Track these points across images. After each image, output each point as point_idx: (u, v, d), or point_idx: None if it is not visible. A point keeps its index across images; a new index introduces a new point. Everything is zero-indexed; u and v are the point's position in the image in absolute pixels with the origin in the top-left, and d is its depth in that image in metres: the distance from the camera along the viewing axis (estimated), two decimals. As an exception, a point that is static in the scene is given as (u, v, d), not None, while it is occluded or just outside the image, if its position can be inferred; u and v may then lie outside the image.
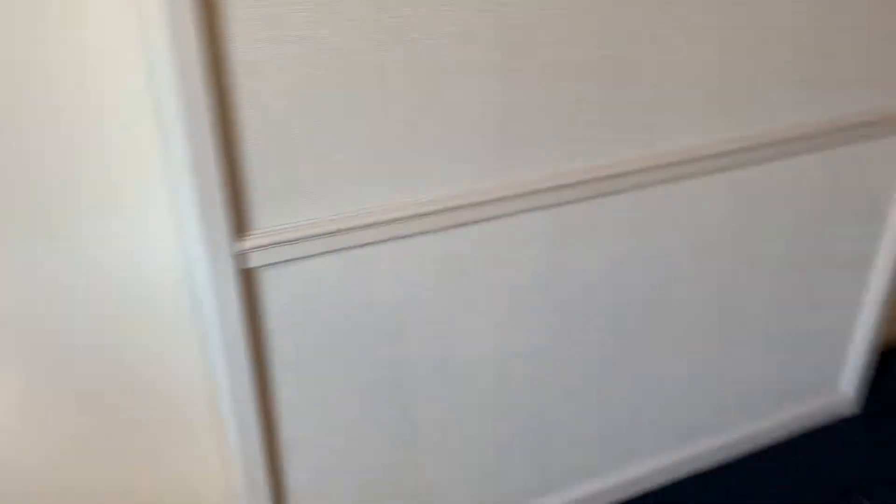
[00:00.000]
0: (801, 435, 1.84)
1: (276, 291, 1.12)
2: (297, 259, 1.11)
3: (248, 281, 1.09)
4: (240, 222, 1.04)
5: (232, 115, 0.98)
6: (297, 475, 1.29)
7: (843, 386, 1.87)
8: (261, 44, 0.95)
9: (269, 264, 1.09)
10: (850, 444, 1.81)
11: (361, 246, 1.14)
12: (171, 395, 1.44)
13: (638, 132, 1.27)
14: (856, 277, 1.71)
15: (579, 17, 1.13)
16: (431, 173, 1.14)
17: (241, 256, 1.05)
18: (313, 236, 1.09)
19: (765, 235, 1.52)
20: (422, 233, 1.18)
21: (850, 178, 1.55)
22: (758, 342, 1.67)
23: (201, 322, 1.29)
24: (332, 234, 1.10)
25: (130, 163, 1.23)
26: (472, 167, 1.17)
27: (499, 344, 1.36)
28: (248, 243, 1.05)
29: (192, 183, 0.98)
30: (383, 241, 1.16)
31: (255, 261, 1.07)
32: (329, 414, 1.27)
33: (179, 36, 0.89)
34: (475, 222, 1.22)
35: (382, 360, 1.27)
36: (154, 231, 1.29)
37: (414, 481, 1.42)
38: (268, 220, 1.06)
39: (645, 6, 1.17)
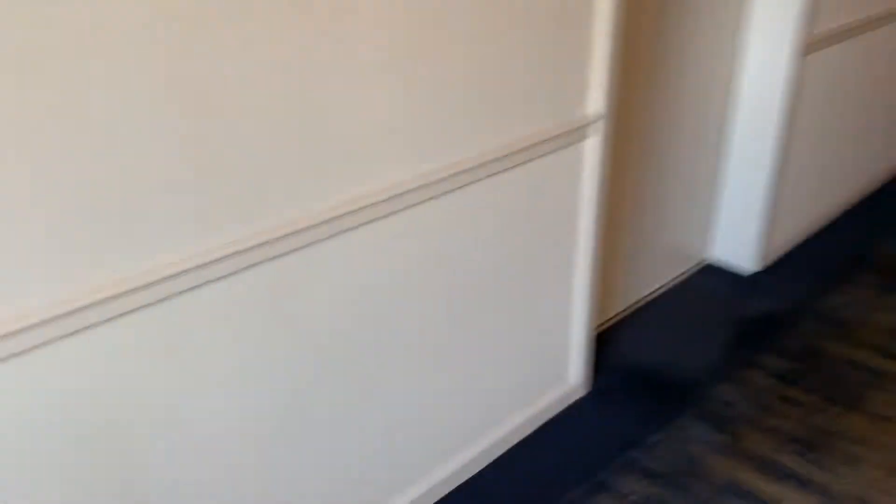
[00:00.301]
0: (544, 426, 1.99)
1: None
2: (-25, 370, 0.95)
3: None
4: None
5: None
6: None
7: (571, 374, 2.07)
8: None
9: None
10: (586, 426, 2.00)
11: (44, 345, 1.01)
12: None
13: (339, 177, 1.29)
14: (563, 275, 1.90)
15: (260, 77, 1.12)
16: (120, 249, 1.05)
17: None
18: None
19: (479, 252, 1.63)
20: (119, 316, 1.08)
21: (542, 189, 1.72)
22: (492, 352, 1.78)
23: None
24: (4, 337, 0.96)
25: None
26: (169, 237, 1.10)
27: (235, 411, 1.29)
28: None
29: None
30: (72, 335, 1.04)
31: (-84, 383, 0.90)
32: (50, 534, 1.11)
33: None
34: (182, 293, 1.15)
35: (109, 460, 1.14)
36: None
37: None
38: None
39: (327, 58, 1.19)
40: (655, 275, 2.58)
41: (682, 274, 2.70)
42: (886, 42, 2.88)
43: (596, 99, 1.72)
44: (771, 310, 2.48)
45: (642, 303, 2.54)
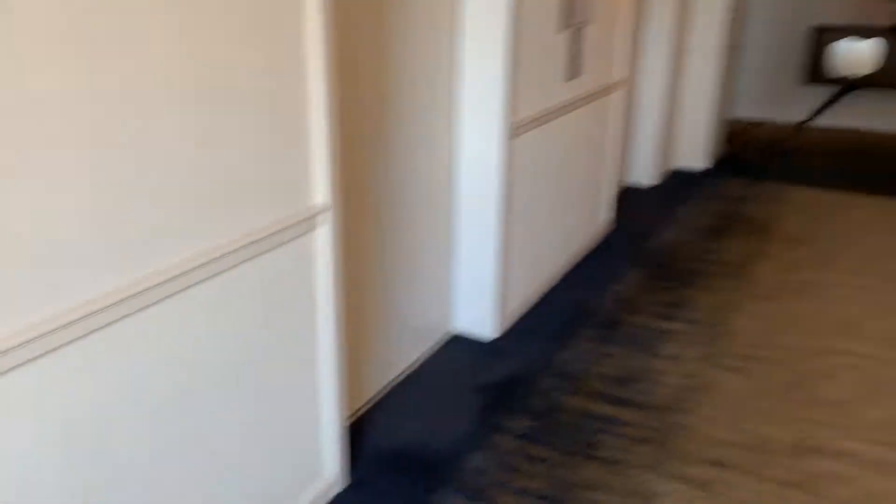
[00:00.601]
0: (304, 530, 1.90)
1: None
2: None
3: None
4: None
5: None
6: None
7: (327, 469, 2.00)
8: None
9: None
10: (347, 520, 1.94)
11: None
12: None
13: (29, 298, 1.15)
14: (308, 368, 1.85)
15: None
16: None
17: None
18: None
19: (211, 355, 1.54)
20: None
21: (275, 283, 1.68)
22: (238, 457, 1.66)
23: None
24: None
25: None
26: None
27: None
28: None
29: None
30: None
31: None
32: None
33: None
34: None
35: None
36: None
37: None
38: None
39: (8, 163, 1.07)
40: (405, 352, 2.63)
41: (431, 348, 2.79)
42: (575, 123, 3.31)
43: (321, 190, 1.74)
44: (511, 373, 2.63)
45: (395, 382, 2.56)
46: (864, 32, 6.18)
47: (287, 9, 1.55)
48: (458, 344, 2.84)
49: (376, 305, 2.40)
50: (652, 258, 3.70)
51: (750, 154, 5.80)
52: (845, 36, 6.24)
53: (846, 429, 2.33)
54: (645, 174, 4.91)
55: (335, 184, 1.77)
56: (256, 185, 1.56)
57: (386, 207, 2.34)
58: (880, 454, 2.21)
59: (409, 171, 2.42)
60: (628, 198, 4.65)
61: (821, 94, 6.57)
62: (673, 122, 5.14)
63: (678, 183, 5.02)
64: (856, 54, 6.24)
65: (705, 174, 5.22)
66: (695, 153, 5.30)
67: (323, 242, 1.78)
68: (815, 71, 6.42)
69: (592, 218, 3.81)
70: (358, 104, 2.10)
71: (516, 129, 2.70)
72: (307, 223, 1.72)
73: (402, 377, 2.60)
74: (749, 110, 6.95)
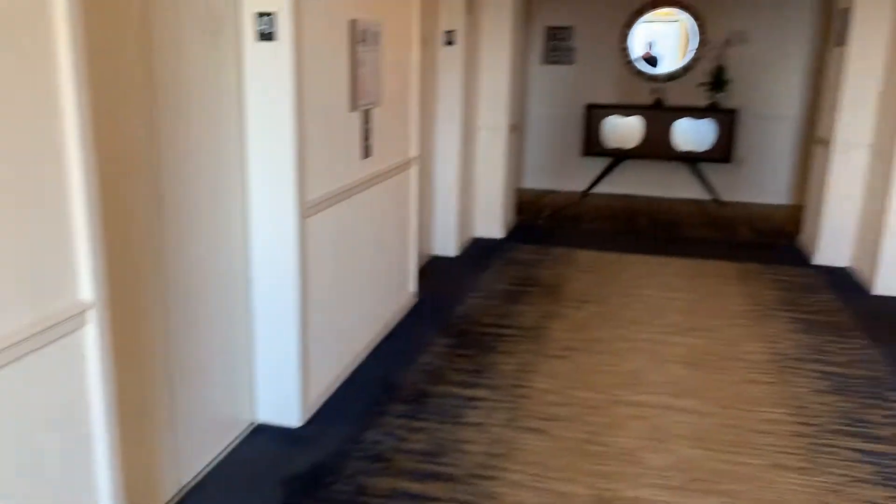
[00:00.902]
0: None
1: None
2: None
3: None
4: None
5: None
6: None
7: None
8: None
9: None
10: None
11: None
12: None
13: None
14: (82, 477, 1.66)
15: None
16: None
17: None
18: None
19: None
20: None
21: (32, 394, 1.50)
22: None
23: None
24: None
25: None
26: None
27: None
28: None
29: None
30: None
31: None
32: None
33: None
34: None
35: None
36: None
37: None
38: None
39: None
40: (203, 449, 2.45)
41: (232, 442, 2.62)
42: (374, 200, 3.36)
43: (86, 286, 1.60)
44: (317, 460, 2.54)
45: (193, 483, 2.37)
46: (629, 110, 6.95)
47: (39, 91, 1.44)
48: (262, 434, 2.70)
49: (167, 402, 2.22)
50: (455, 327, 3.79)
51: (540, 221, 6.22)
52: (613, 113, 6.98)
53: (637, 477, 2.48)
54: (447, 245, 5.08)
55: (101, 279, 1.63)
56: (5, 285, 1.40)
57: (172, 298, 2.20)
58: (668, 498, 2.37)
59: (196, 258, 2.30)
60: (433, 268, 4.77)
61: (597, 164, 7.25)
62: (469, 195, 5.40)
63: (478, 251, 5.24)
64: (623, 129, 6.98)
65: (502, 242, 5.50)
66: (491, 222, 5.58)
67: (91, 342, 1.63)
68: (591, 144, 7.09)
69: (398, 291, 3.85)
70: (132, 196, 1.98)
71: (311, 208, 2.68)
72: (71, 322, 1.57)
73: (200, 476, 2.41)
74: (537, 181, 7.49)
